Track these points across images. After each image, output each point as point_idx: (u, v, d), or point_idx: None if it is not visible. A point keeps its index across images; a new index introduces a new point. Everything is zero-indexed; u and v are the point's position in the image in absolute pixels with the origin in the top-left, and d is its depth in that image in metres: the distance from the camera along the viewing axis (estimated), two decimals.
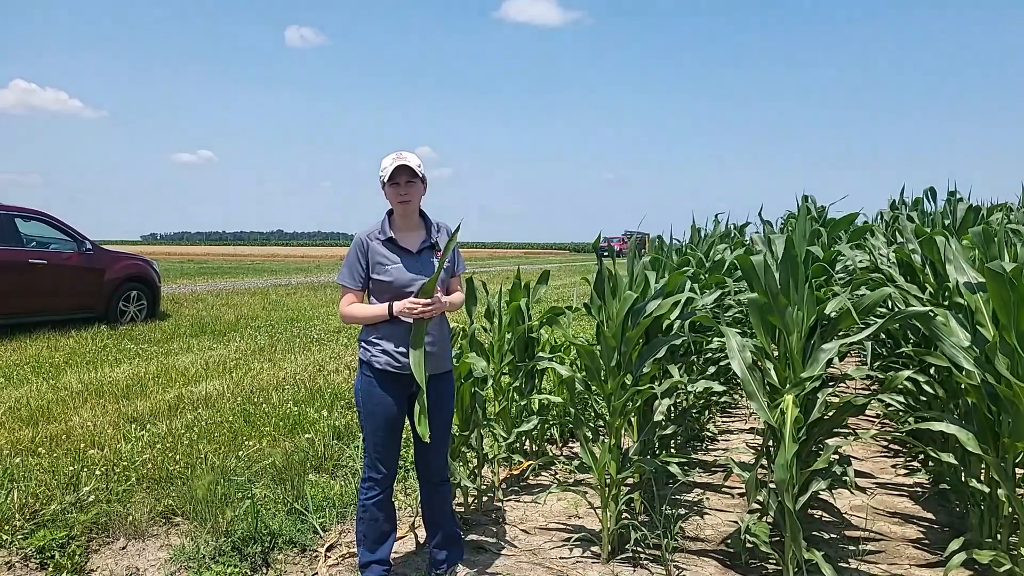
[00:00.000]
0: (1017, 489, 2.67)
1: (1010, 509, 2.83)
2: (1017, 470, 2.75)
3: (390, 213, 2.96)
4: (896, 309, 3.60)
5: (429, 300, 2.79)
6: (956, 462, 3.23)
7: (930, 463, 4.20)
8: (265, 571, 3.18)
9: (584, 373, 3.52)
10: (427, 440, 2.80)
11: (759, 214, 5.94)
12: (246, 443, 4.58)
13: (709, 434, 5.31)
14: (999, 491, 2.92)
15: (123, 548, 3.33)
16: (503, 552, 3.40)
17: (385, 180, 2.85)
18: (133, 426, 4.98)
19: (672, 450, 4.48)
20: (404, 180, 2.85)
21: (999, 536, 2.95)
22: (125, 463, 4.10)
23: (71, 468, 3.94)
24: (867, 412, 4.61)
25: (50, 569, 3.12)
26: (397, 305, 2.80)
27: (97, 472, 3.92)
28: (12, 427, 4.91)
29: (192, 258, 42.49)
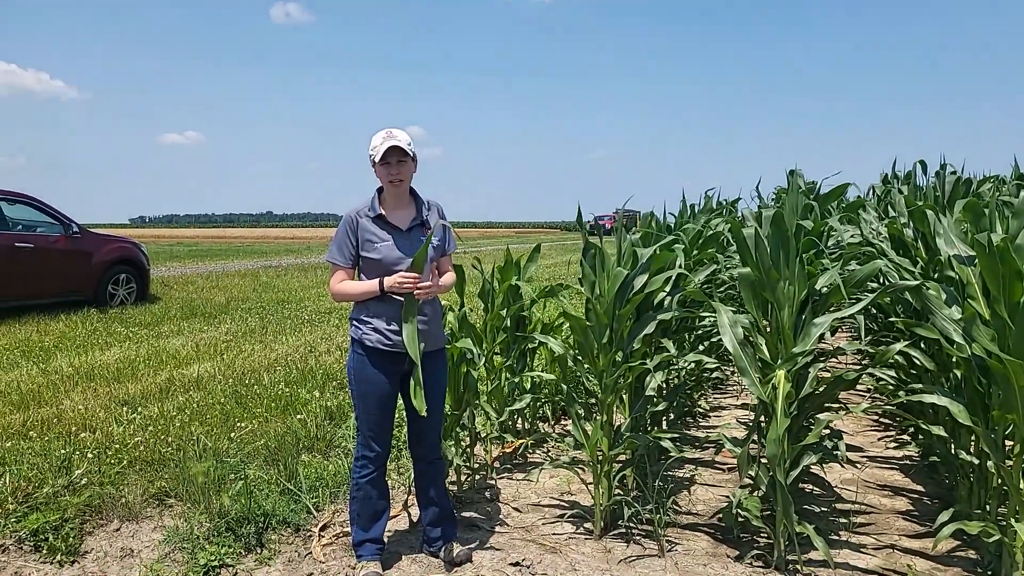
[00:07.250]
0: (1006, 460, 2.69)
1: (999, 480, 2.85)
2: (1006, 441, 2.77)
3: (380, 190, 2.93)
4: (887, 283, 3.61)
5: (418, 275, 2.77)
6: (946, 434, 3.25)
7: (920, 436, 4.24)
8: (259, 551, 3.19)
9: (576, 350, 3.52)
10: (424, 414, 2.80)
11: (756, 188, 5.91)
12: (238, 425, 4.57)
13: (701, 410, 5.33)
14: (988, 462, 2.94)
15: (117, 530, 3.32)
16: (496, 529, 3.41)
17: (376, 160, 2.83)
18: (124, 409, 4.96)
19: (664, 426, 4.50)
20: (395, 160, 2.83)
21: (988, 507, 2.98)
22: (117, 446, 4.08)
23: (63, 451, 3.92)
24: (858, 386, 4.64)
25: (44, 551, 3.11)
26: (387, 280, 2.78)
27: (89, 455, 3.90)
28: (3, 411, 4.88)
29: (181, 241, 42.19)
